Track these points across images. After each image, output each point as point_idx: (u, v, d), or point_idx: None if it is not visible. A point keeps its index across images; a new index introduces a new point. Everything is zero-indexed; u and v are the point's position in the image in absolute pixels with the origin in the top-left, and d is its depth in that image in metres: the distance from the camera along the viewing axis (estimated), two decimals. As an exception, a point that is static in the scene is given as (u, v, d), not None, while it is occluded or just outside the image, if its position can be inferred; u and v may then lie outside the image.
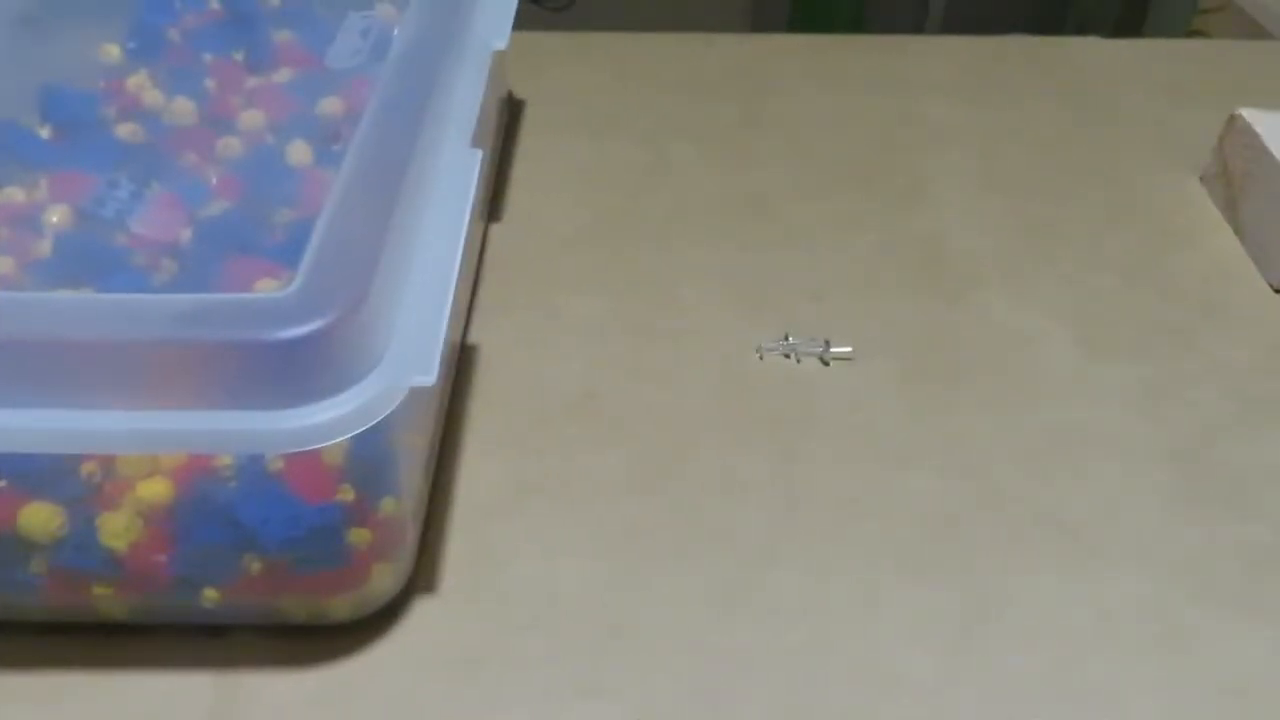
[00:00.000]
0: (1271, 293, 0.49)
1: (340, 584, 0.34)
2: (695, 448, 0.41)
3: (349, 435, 0.28)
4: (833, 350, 0.45)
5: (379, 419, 0.29)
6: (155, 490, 0.31)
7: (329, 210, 0.32)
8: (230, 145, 0.41)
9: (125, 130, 0.42)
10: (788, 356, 0.45)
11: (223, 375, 0.28)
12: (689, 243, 0.51)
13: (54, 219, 0.38)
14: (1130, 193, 0.55)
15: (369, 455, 0.32)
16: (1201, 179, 0.56)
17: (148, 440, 0.29)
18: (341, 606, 0.34)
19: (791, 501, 0.39)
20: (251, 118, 0.43)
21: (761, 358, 0.45)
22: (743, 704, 0.33)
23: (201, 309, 0.29)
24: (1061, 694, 0.34)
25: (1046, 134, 0.59)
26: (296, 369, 0.28)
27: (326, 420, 0.28)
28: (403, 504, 0.34)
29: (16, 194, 0.39)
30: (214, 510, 0.32)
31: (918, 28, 1.51)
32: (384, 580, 0.35)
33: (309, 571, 0.33)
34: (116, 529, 0.32)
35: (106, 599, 0.33)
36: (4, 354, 0.28)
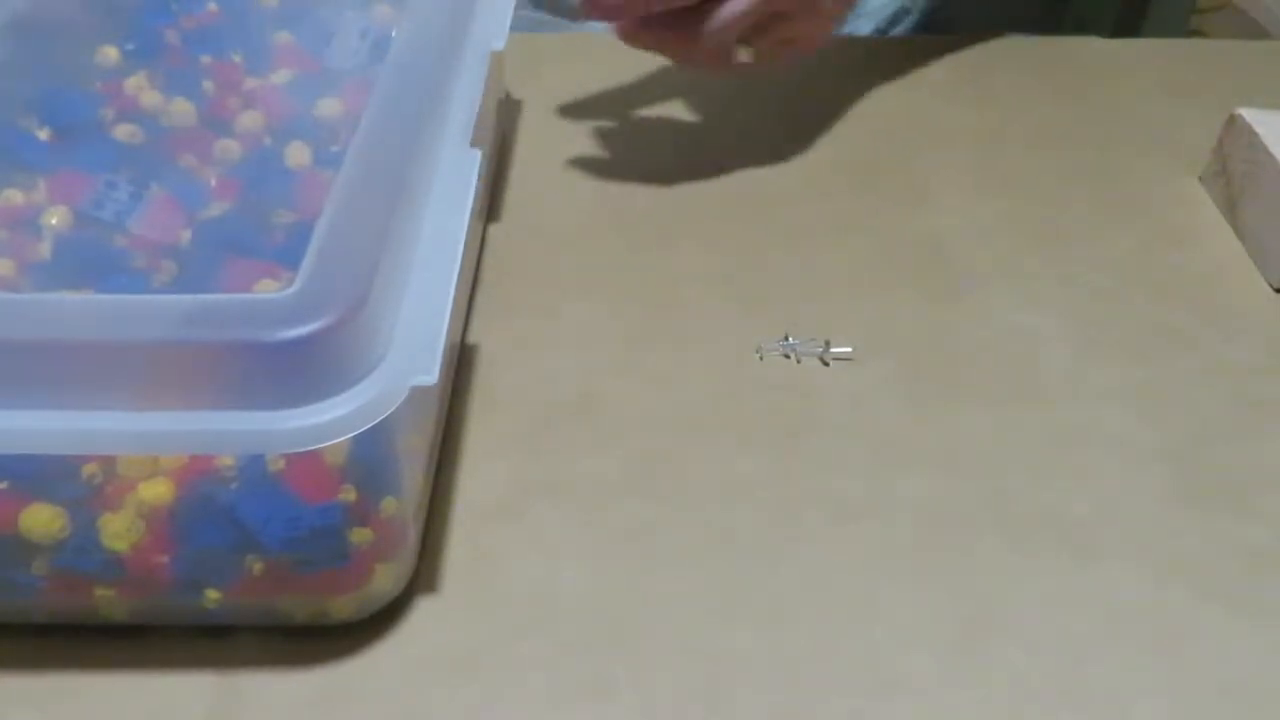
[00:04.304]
0: (1271, 293, 0.49)
1: (341, 584, 0.34)
2: (695, 448, 0.41)
3: (350, 435, 0.28)
4: (833, 350, 0.45)
5: (380, 419, 0.29)
6: (156, 491, 0.31)
7: (329, 211, 0.32)
8: (229, 147, 0.42)
9: (124, 132, 0.42)
10: (788, 357, 0.45)
11: (223, 376, 0.28)
12: (689, 243, 0.51)
13: (53, 221, 0.38)
14: (1130, 193, 0.55)
15: (370, 455, 0.32)
16: (1201, 179, 0.56)
17: (148, 441, 0.29)
18: (343, 607, 0.34)
19: (791, 502, 0.39)
20: (250, 119, 0.43)
21: (761, 358, 0.45)
22: (743, 705, 0.33)
23: (201, 310, 0.29)
24: (1062, 694, 0.34)
25: (1046, 134, 0.59)
26: (297, 369, 0.28)
27: (327, 420, 0.28)
28: (404, 504, 0.34)
29: (15, 196, 0.39)
30: (215, 511, 0.32)
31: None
32: (385, 581, 0.35)
33: (310, 572, 0.33)
34: (118, 530, 0.32)
35: (108, 600, 0.33)
36: (4, 355, 0.28)
